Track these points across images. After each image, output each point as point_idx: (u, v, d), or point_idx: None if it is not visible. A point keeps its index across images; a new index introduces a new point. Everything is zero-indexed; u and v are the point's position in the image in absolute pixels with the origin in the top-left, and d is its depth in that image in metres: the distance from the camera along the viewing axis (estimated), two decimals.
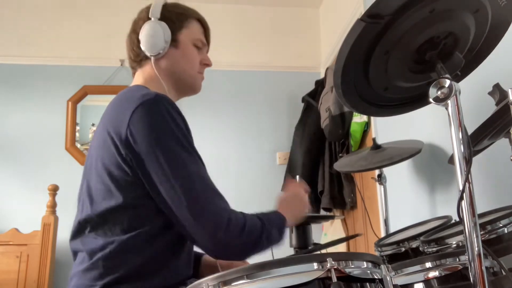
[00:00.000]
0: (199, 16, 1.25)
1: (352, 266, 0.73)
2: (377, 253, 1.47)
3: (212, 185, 1.02)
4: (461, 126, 0.85)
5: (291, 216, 1.13)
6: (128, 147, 1.00)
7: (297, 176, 2.02)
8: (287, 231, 1.12)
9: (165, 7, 1.20)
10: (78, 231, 1.09)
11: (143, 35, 1.16)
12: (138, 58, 1.20)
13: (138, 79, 1.21)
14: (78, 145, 3.22)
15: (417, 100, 1.07)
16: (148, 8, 1.20)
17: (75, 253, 1.10)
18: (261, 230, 1.01)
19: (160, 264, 1.03)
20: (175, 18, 1.19)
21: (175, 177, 0.97)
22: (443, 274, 0.93)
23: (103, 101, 3.15)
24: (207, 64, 1.27)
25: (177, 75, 1.20)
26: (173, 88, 1.21)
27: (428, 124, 1.92)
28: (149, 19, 1.17)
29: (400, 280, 0.95)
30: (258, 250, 1.03)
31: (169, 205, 0.98)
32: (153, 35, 1.15)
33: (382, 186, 2.01)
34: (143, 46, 1.16)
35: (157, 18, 1.16)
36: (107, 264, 1.00)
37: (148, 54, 1.16)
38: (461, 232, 0.84)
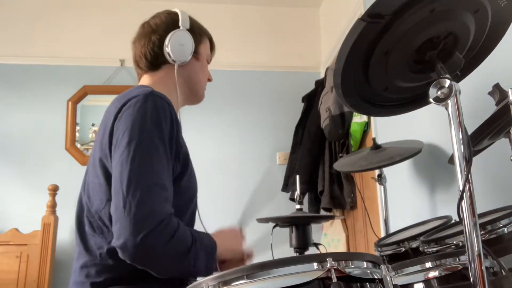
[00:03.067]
0: (210, 35, 1.33)
1: (352, 266, 0.73)
2: (377, 253, 1.47)
3: (162, 185, 0.95)
4: (461, 126, 0.85)
5: (222, 248, 1.05)
6: (112, 136, 1.01)
7: (297, 176, 2.02)
8: (214, 265, 1.02)
9: (190, 18, 1.25)
10: (78, 226, 1.09)
11: (172, 41, 1.18)
12: (155, 61, 1.21)
13: (145, 81, 1.22)
14: (78, 145, 3.22)
15: (417, 100, 1.07)
16: (169, 14, 1.24)
17: (76, 248, 1.10)
18: (190, 246, 0.94)
19: None
20: (197, 31, 1.26)
21: (129, 165, 0.94)
22: (443, 274, 0.93)
23: (103, 101, 3.15)
24: (210, 79, 1.35)
25: (191, 84, 1.26)
26: (183, 95, 1.24)
27: (428, 124, 1.92)
28: (176, 26, 1.20)
29: (400, 280, 0.95)
30: (182, 269, 0.95)
31: (112, 190, 0.95)
32: (183, 43, 1.20)
33: (382, 186, 2.01)
34: (171, 52, 1.18)
35: (186, 28, 1.21)
36: (104, 263, 1.00)
37: (174, 60, 1.19)
38: (461, 232, 0.84)
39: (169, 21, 1.22)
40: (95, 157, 1.07)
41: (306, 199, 3.05)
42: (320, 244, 1.81)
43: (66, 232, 2.77)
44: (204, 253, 0.98)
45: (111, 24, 3.30)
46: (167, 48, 1.18)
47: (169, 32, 1.19)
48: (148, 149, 0.96)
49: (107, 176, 1.01)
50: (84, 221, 1.07)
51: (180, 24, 1.21)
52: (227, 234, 1.17)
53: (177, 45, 1.18)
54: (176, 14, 1.23)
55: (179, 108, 1.24)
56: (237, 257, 1.13)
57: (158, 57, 1.20)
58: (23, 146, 3.15)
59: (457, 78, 0.96)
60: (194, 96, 1.28)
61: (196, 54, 1.24)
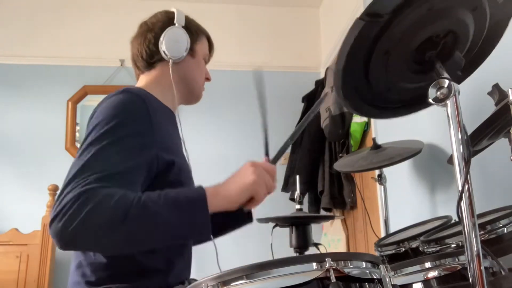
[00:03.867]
0: (208, 34, 1.32)
1: (351, 266, 0.73)
2: (377, 253, 1.47)
3: (113, 172, 0.90)
4: (460, 126, 0.85)
5: (224, 194, 0.97)
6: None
7: (297, 176, 2.02)
8: (203, 217, 0.91)
9: (186, 17, 1.25)
10: None
11: (167, 38, 1.18)
12: (151, 59, 1.21)
13: (142, 81, 1.23)
14: (78, 145, 3.20)
15: (419, 102, 1.06)
16: (165, 13, 1.24)
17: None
18: (126, 210, 0.84)
19: (156, 264, 1.03)
20: (194, 30, 1.25)
21: (88, 152, 0.92)
22: (442, 274, 0.93)
23: None
24: (208, 78, 1.33)
25: (187, 82, 1.25)
26: (180, 93, 1.23)
27: (428, 124, 1.92)
28: (172, 24, 1.20)
29: (400, 280, 0.95)
30: (120, 235, 0.86)
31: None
32: (178, 40, 1.19)
33: (382, 186, 2.01)
34: (165, 48, 1.18)
35: (181, 26, 1.21)
36: (97, 262, 1.00)
37: (168, 56, 1.18)
38: (461, 232, 0.84)
39: (165, 20, 1.22)
40: None
41: (306, 199, 3.04)
42: (320, 244, 1.81)
43: None
44: (173, 207, 0.89)
45: (111, 24, 3.30)
46: (162, 45, 1.18)
47: (165, 29, 1.19)
48: (102, 142, 0.94)
49: None
50: None
51: (175, 22, 1.21)
52: (232, 177, 1.03)
53: (171, 41, 1.19)
54: (172, 12, 1.23)
55: (176, 107, 1.24)
56: (248, 189, 0.99)
57: (153, 55, 1.20)
58: (23, 146, 3.15)
59: (458, 79, 0.96)
60: (191, 94, 1.27)
61: (192, 51, 1.23)
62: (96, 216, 0.83)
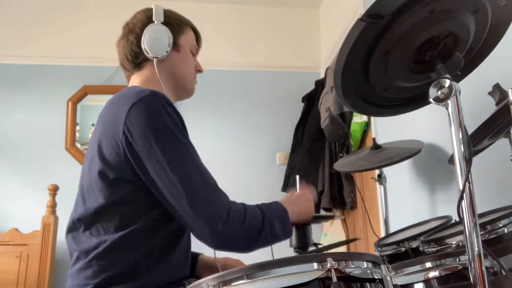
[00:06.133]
0: (192, 24, 1.30)
1: (352, 266, 0.73)
2: (377, 253, 1.47)
3: (210, 177, 1.03)
4: (461, 126, 0.85)
5: (295, 212, 1.12)
6: (125, 144, 1.00)
7: (297, 176, 2.02)
8: (290, 228, 1.10)
9: (166, 12, 1.23)
10: (72, 229, 1.10)
11: (147, 37, 1.18)
12: (137, 60, 1.21)
13: (134, 82, 1.23)
14: (78, 145, 3.22)
15: (418, 100, 1.07)
16: (144, 12, 1.23)
17: (71, 253, 1.10)
18: (262, 220, 1.01)
19: (155, 262, 1.03)
20: (175, 23, 1.24)
21: (174, 171, 0.98)
22: (443, 274, 0.93)
23: (103, 101, 3.10)
24: (200, 70, 1.31)
25: (176, 78, 1.23)
26: (171, 90, 1.22)
27: (428, 124, 1.92)
28: (151, 22, 1.19)
29: (400, 280, 0.95)
30: (262, 242, 1.02)
31: (168, 199, 0.99)
32: (158, 37, 1.18)
33: (382, 186, 2.01)
34: (147, 48, 1.18)
35: (161, 22, 1.20)
36: (100, 263, 1.00)
37: (151, 55, 1.18)
38: (461, 232, 0.84)
39: (144, 19, 1.21)
40: (92, 161, 1.06)
41: None
42: (320, 244, 1.81)
43: None
44: (277, 221, 1.04)
45: (111, 24, 3.28)
46: (144, 45, 1.18)
47: (144, 29, 1.19)
48: (179, 149, 1.02)
49: (109, 181, 1.02)
50: (80, 225, 1.07)
51: (154, 19, 1.20)
52: (297, 198, 1.21)
53: (152, 39, 1.18)
54: (151, 9, 1.22)
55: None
56: (309, 218, 1.21)
57: (138, 55, 1.20)
58: (23, 146, 3.15)
59: (457, 78, 0.96)
60: (182, 90, 1.26)
61: (176, 46, 1.22)
62: (249, 230, 0.99)
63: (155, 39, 1.18)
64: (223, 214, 0.97)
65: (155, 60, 1.18)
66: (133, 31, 1.21)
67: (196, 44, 1.30)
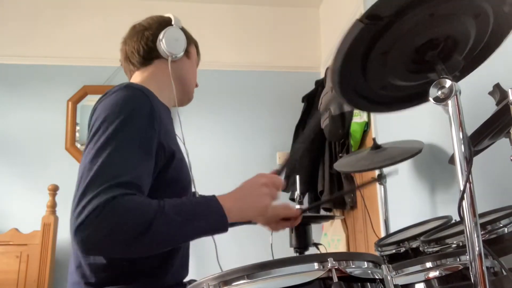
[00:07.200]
0: (197, 43, 1.36)
1: (353, 266, 0.73)
2: (377, 253, 1.47)
3: (119, 171, 0.89)
4: (461, 126, 0.85)
5: (235, 208, 0.99)
6: (89, 130, 1.01)
7: (297, 176, 2.02)
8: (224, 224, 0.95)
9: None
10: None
11: (167, 35, 1.21)
12: (148, 56, 1.22)
13: (137, 78, 1.23)
14: (78, 145, 3.21)
15: (414, 98, 1.06)
16: (160, 16, 1.28)
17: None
18: (151, 219, 0.85)
19: (152, 264, 1.03)
20: (188, 35, 1.29)
21: (102, 152, 0.90)
22: (443, 274, 0.93)
23: None
24: (196, 84, 1.36)
25: (184, 81, 1.27)
26: (175, 91, 1.23)
27: (428, 124, 1.92)
28: (169, 25, 1.24)
29: (401, 280, 0.95)
30: (144, 243, 0.86)
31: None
32: (177, 39, 1.23)
33: (382, 186, 2.01)
34: (165, 45, 1.20)
35: (179, 28, 1.25)
36: (96, 262, 1.00)
37: (167, 53, 1.20)
38: (461, 232, 0.84)
39: (161, 21, 1.25)
40: (83, 157, 1.06)
41: (306, 199, 3.04)
42: (320, 244, 1.82)
43: (66, 232, 2.75)
44: (200, 220, 0.92)
45: (111, 24, 3.29)
46: (162, 42, 1.20)
47: (162, 29, 1.22)
48: (114, 142, 0.93)
49: None
50: None
51: (173, 23, 1.24)
52: (245, 189, 1.10)
53: (171, 39, 1.21)
54: (167, 17, 1.27)
55: (171, 104, 1.25)
56: (262, 213, 1.09)
57: (151, 51, 1.22)
58: (23, 146, 3.14)
59: (456, 78, 0.96)
60: (183, 94, 1.29)
61: (187, 52, 1.27)
62: (121, 230, 0.84)
63: (174, 40, 1.22)
64: (83, 215, 0.83)
65: (169, 58, 1.21)
66: (150, 29, 1.23)
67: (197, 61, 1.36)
